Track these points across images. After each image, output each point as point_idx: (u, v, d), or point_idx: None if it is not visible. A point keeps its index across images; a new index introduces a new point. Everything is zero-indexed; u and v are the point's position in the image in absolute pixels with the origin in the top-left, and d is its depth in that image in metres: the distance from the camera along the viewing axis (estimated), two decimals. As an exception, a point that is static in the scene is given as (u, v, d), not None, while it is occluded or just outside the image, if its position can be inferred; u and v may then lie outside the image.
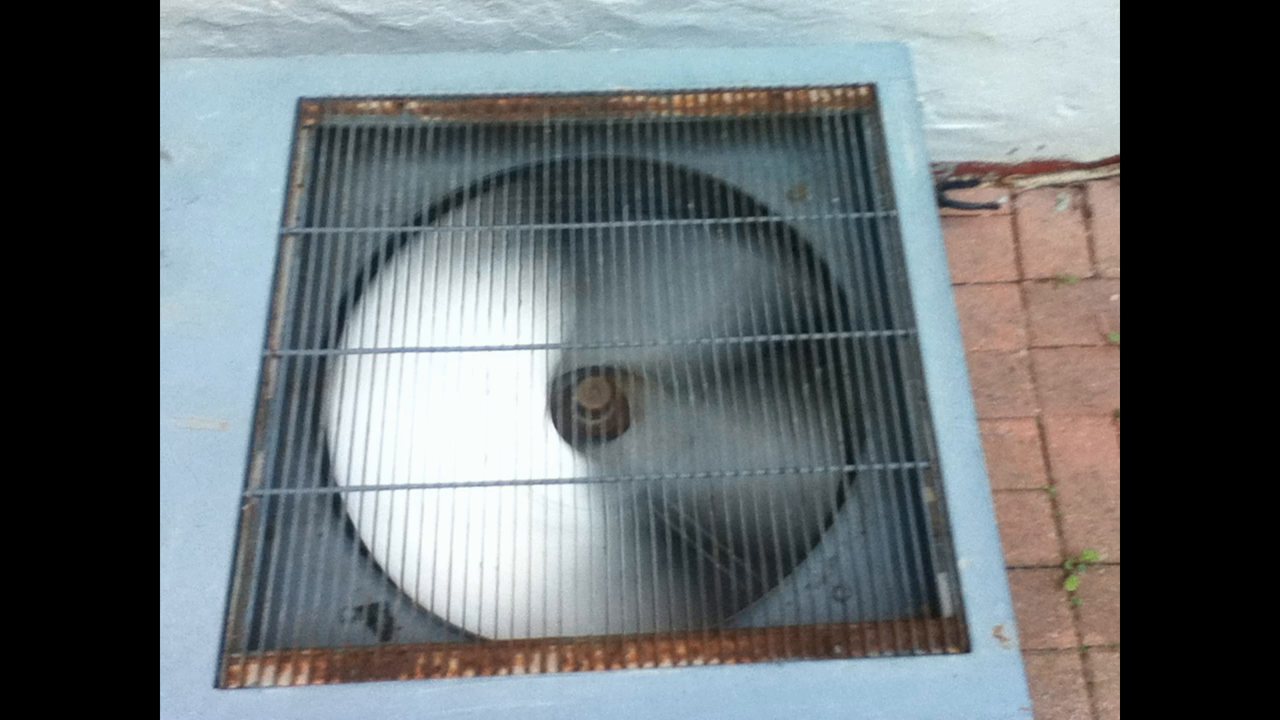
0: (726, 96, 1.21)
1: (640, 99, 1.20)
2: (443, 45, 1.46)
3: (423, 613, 1.01)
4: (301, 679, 0.92)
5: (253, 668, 0.93)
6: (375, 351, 1.10)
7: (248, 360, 1.06)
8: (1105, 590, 1.55)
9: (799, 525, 1.06)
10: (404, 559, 1.02)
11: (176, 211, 1.13)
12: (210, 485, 1.00)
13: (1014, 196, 1.82)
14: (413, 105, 1.19)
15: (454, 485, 1.03)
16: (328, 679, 0.92)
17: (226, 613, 0.95)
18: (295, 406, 1.08)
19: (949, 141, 1.73)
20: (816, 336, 1.10)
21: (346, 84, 1.20)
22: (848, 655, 0.94)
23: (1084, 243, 1.78)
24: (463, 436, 1.10)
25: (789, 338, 1.11)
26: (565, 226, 1.16)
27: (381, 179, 1.21)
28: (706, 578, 1.05)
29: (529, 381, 1.15)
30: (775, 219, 1.19)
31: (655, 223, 1.16)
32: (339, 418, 1.08)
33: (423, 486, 1.03)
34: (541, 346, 1.12)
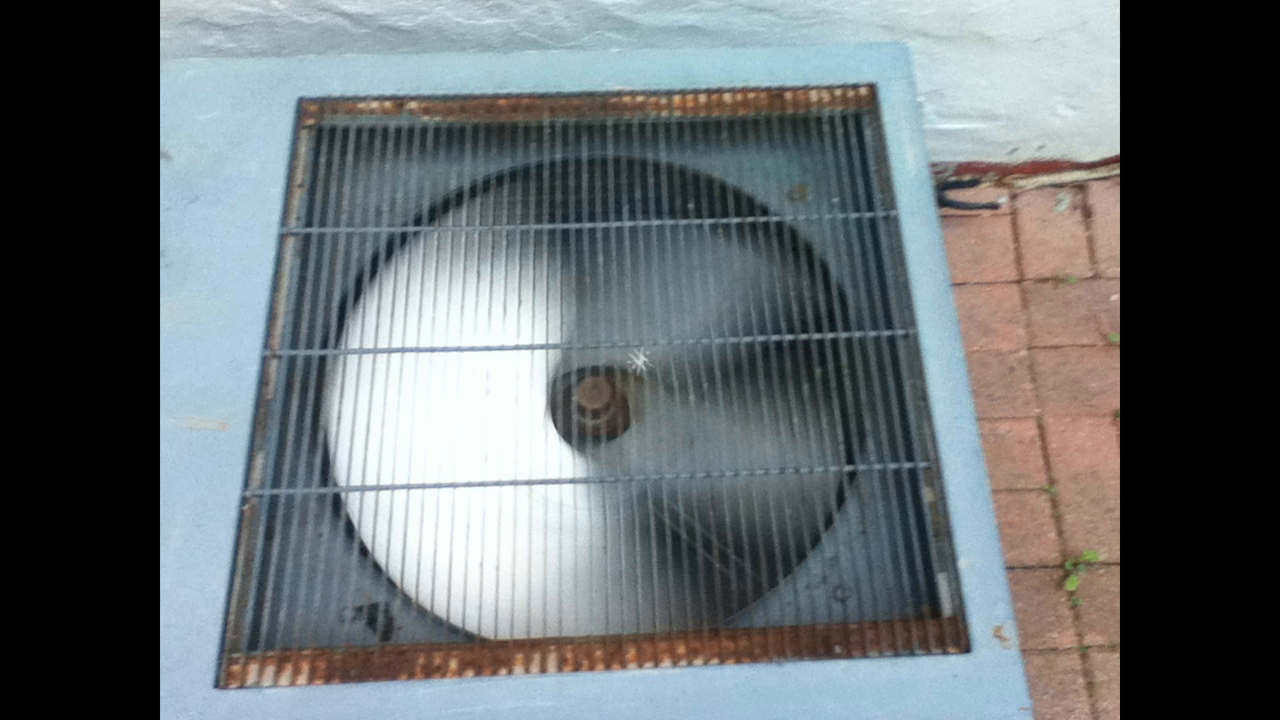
0: (726, 96, 1.21)
1: (640, 99, 1.20)
2: (443, 45, 1.46)
3: (423, 613, 1.01)
4: (301, 679, 0.92)
5: (253, 668, 0.93)
6: (375, 351, 1.10)
7: (248, 360, 1.06)
8: (1105, 590, 1.55)
9: (799, 525, 1.06)
10: (404, 559, 1.02)
11: (176, 211, 1.13)
12: (210, 485, 1.00)
13: (1014, 196, 1.82)
14: (413, 105, 1.19)
15: (454, 485, 1.03)
16: (328, 679, 0.92)
17: (226, 613, 0.95)
18: (295, 406, 1.08)
19: (949, 141, 1.73)
20: (816, 336, 1.10)
21: (346, 84, 1.20)
22: (848, 655, 0.94)
23: (1084, 243, 1.78)
24: (463, 436, 1.10)
25: (789, 338, 1.11)
26: (565, 226, 1.16)
27: (381, 179, 1.21)
28: (706, 578, 1.05)
29: (529, 381, 1.15)
30: (775, 219, 1.19)
31: (655, 223, 1.16)
32: (339, 418, 1.08)
33: (423, 486, 1.03)
34: (541, 346, 1.12)
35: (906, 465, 1.05)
